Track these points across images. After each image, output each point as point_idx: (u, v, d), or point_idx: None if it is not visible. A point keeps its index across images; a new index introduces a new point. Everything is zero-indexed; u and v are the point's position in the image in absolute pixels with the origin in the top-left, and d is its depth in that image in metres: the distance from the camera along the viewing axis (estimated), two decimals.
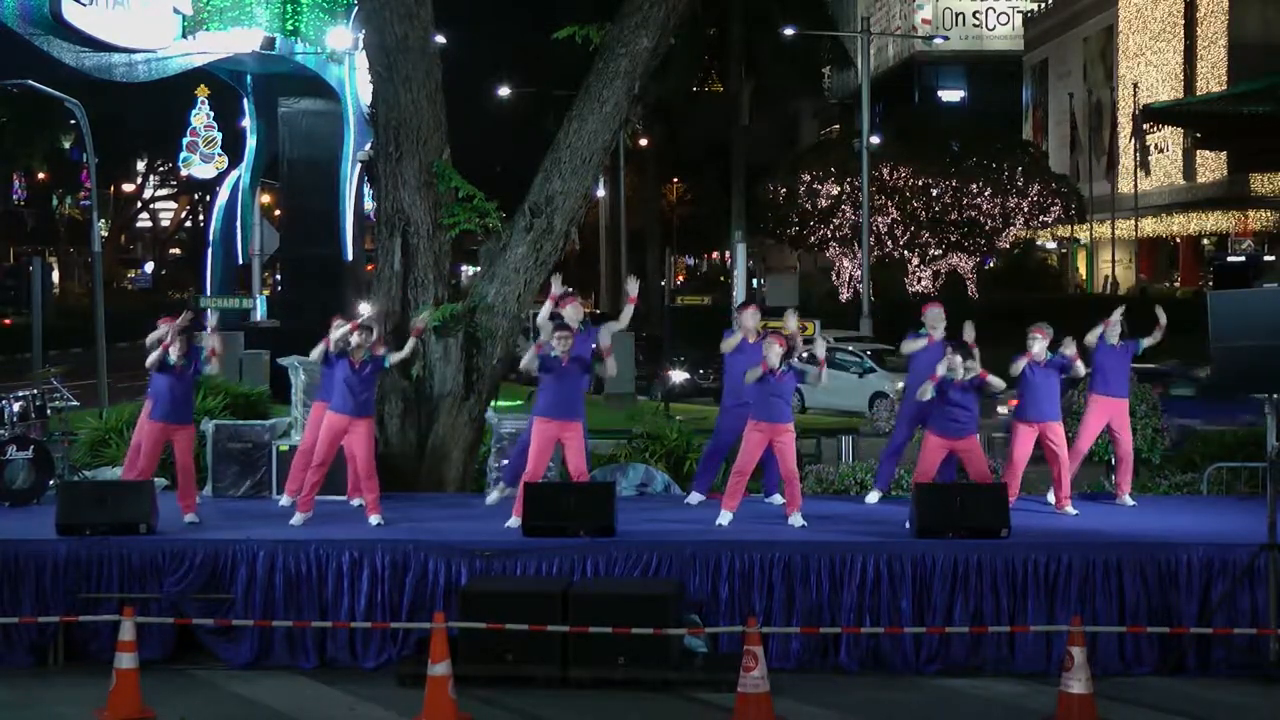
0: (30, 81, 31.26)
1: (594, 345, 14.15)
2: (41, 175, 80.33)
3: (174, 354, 13.56)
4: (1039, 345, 13.79)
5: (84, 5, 32.97)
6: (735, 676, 10.52)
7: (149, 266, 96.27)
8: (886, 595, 12.15)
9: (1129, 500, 14.44)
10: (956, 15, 78.22)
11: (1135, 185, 59.57)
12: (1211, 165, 56.40)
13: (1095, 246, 66.16)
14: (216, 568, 12.46)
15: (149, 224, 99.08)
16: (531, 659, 11.52)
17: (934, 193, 54.06)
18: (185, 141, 44.34)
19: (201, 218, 78.76)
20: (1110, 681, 11.49)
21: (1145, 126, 57.87)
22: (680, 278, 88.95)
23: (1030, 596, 12.07)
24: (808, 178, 54.79)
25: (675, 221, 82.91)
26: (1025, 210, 54.44)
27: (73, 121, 52.06)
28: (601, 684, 11.48)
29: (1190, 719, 11.07)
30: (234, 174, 43.85)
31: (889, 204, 53.74)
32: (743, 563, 12.23)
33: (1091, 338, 14.16)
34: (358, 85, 39.07)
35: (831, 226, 54.77)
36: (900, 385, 13.91)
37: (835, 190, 54.04)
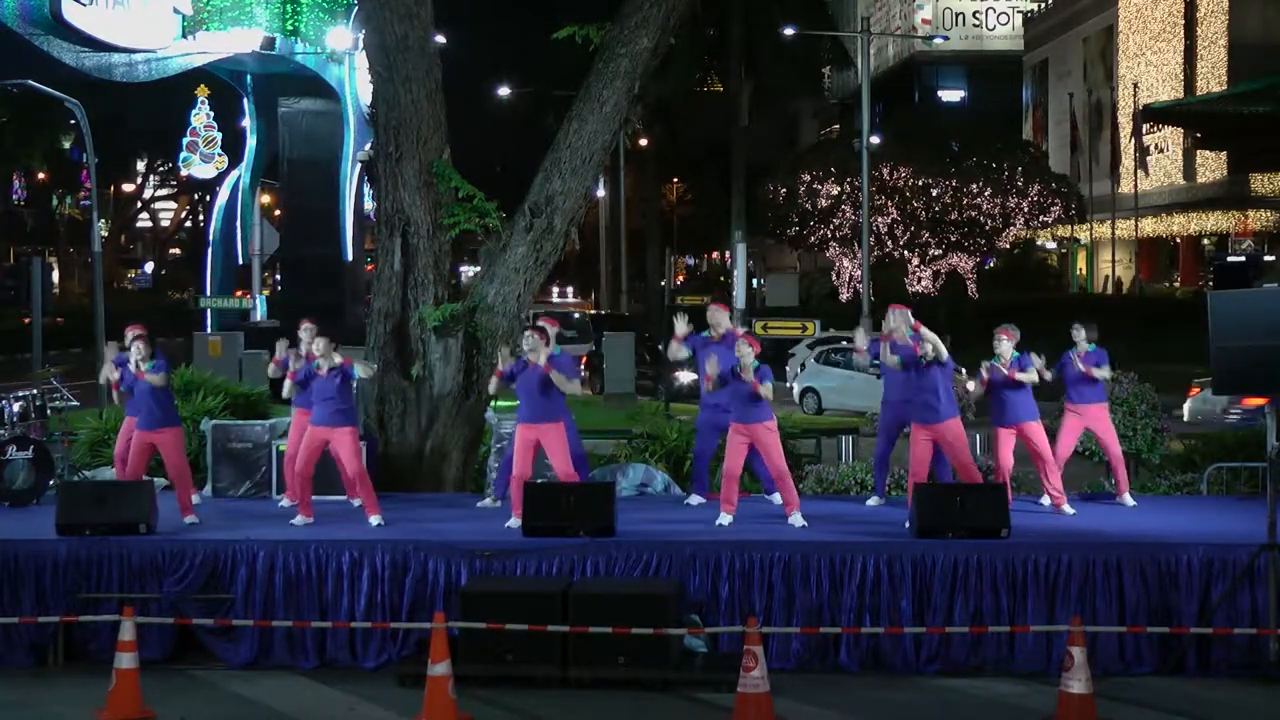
0: (30, 81, 31.25)
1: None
2: (41, 175, 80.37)
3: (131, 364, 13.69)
4: (1004, 346, 13.81)
5: (84, 5, 33.00)
6: (735, 676, 10.52)
7: (149, 266, 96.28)
8: (886, 595, 12.15)
9: (1129, 500, 14.44)
10: (956, 15, 78.24)
11: (1135, 185, 59.58)
12: (1211, 165, 56.42)
13: (1095, 246, 66.17)
14: (216, 568, 12.46)
15: (149, 224, 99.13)
16: (531, 659, 11.52)
17: (934, 193, 54.06)
18: (185, 141, 44.36)
19: (201, 218, 78.79)
20: (1110, 681, 11.49)
21: (1145, 126, 57.87)
22: (680, 278, 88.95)
23: (1030, 596, 12.07)
24: (808, 178, 54.80)
25: (675, 221, 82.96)
26: (1025, 210, 54.44)
27: (73, 121, 52.06)
28: (601, 684, 11.48)
29: (1190, 719, 11.07)
30: (234, 174, 43.87)
31: (889, 204, 53.74)
32: (743, 563, 12.23)
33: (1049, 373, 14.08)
34: (358, 85, 39.10)
35: (831, 226, 54.78)
36: None
37: (835, 190, 54.05)
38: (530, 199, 15.94)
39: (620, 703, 11.29)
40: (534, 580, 12.21)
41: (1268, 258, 49.37)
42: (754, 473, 14.60)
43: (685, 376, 31.50)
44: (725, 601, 12.18)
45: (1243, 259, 46.45)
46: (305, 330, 14.21)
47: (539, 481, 13.51)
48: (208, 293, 43.29)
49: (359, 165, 38.29)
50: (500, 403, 16.77)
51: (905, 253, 55.32)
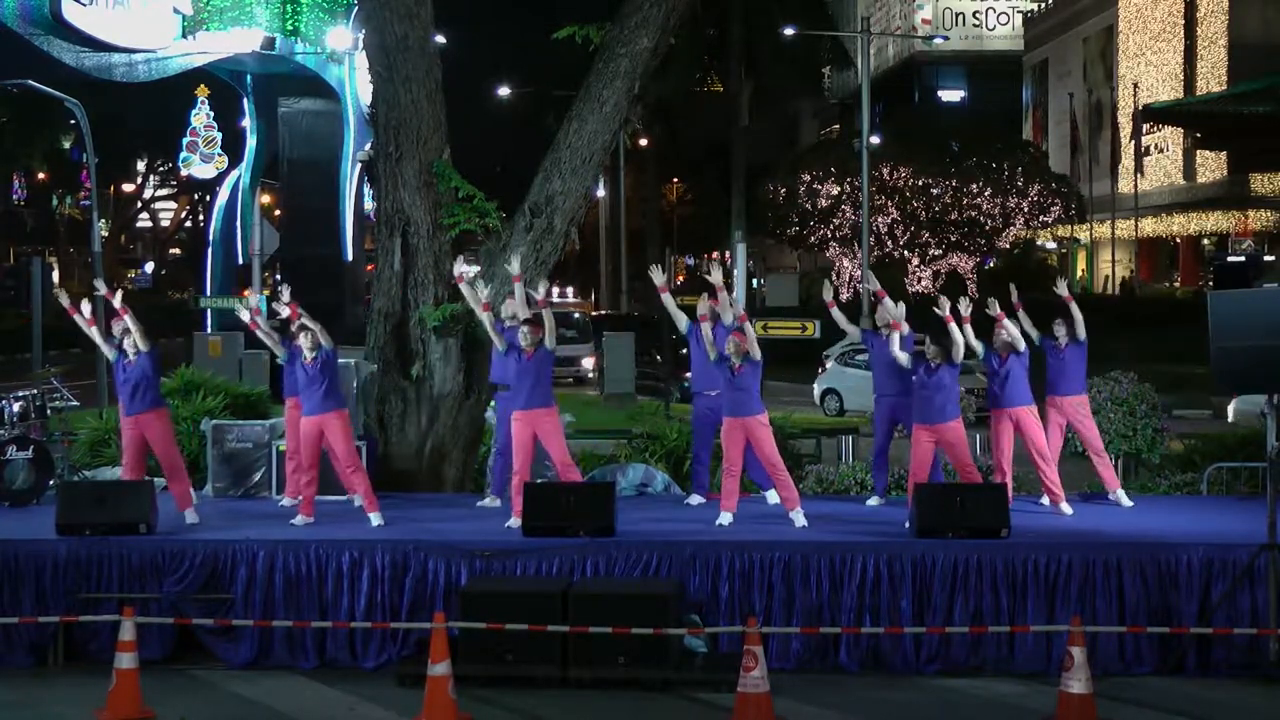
0: (30, 81, 31.29)
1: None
2: (41, 175, 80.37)
3: (112, 347, 13.66)
4: (1001, 334, 13.88)
5: (84, 5, 33.01)
6: (735, 676, 10.52)
7: (149, 266, 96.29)
8: (886, 595, 12.15)
9: (1124, 497, 14.39)
10: (956, 15, 78.25)
11: (1135, 185, 59.59)
12: (1211, 165, 56.43)
13: (1095, 246, 66.18)
14: (216, 568, 12.46)
15: (149, 224, 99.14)
16: (531, 659, 11.52)
17: (934, 193, 54.08)
18: (185, 141, 44.36)
19: (201, 218, 78.78)
20: (1110, 681, 11.49)
21: (1145, 126, 57.88)
22: (680, 278, 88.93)
23: (1030, 596, 12.07)
24: (808, 178, 54.82)
25: (675, 221, 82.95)
26: (1025, 210, 54.47)
27: (73, 121, 52.07)
28: (601, 684, 11.48)
29: (1190, 719, 11.07)
30: (234, 174, 43.87)
31: (889, 204, 53.76)
32: (743, 563, 12.23)
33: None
34: (358, 85, 39.11)
35: (831, 226, 54.80)
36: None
37: (835, 190, 54.07)
38: (530, 199, 15.94)
39: (620, 703, 11.29)
40: (534, 580, 12.21)
41: (1268, 258, 49.42)
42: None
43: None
44: (725, 601, 12.18)
45: (1243, 259, 46.53)
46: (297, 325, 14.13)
47: (539, 481, 13.52)
48: (208, 293, 43.27)
49: (359, 165, 38.30)
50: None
51: (905, 253, 55.34)
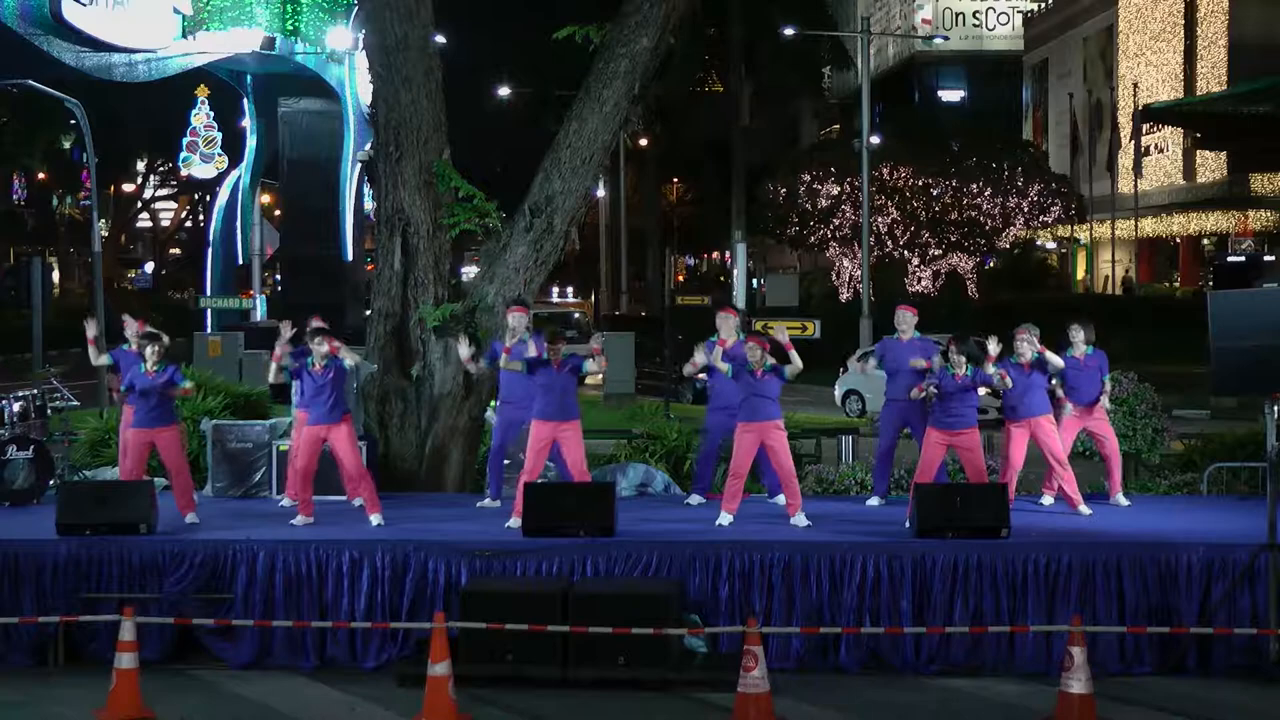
0: (30, 81, 31.28)
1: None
2: (41, 175, 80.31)
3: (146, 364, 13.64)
4: (1024, 347, 13.84)
5: (84, 5, 33.01)
6: (735, 676, 10.51)
7: (149, 266, 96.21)
8: (886, 595, 12.15)
9: (1123, 500, 14.44)
10: (956, 15, 78.21)
11: (1135, 185, 59.58)
12: (1211, 165, 56.39)
13: (1095, 246, 66.16)
14: (216, 568, 12.46)
15: (149, 224, 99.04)
16: (531, 659, 11.53)
17: (934, 193, 54.06)
18: (185, 141, 44.38)
19: (201, 218, 78.77)
20: (1110, 681, 11.49)
21: (1145, 126, 57.85)
22: (680, 278, 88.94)
23: (1030, 596, 12.07)
24: (808, 178, 54.78)
25: (675, 221, 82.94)
26: (1025, 210, 54.44)
27: (73, 121, 52.05)
28: (601, 684, 11.48)
29: (1190, 719, 11.07)
30: (234, 174, 43.89)
31: (889, 204, 53.73)
32: (743, 563, 12.23)
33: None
34: (358, 85, 39.11)
35: (831, 226, 54.76)
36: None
37: (835, 190, 54.03)
38: (530, 199, 15.93)
39: (620, 703, 11.29)
40: (534, 580, 12.21)
41: (1268, 258, 49.36)
42: (756, 474, 14.59)
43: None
44: (725, 601, 12.18)
45: (1243, 259, 46.48)
46: (311, 331, 14.18)
47: (540, 482, 13.53)
48: (208, 293, 43.29)
49: (359, 165, 38.31)
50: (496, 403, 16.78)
51: (905, 253, 55.31)
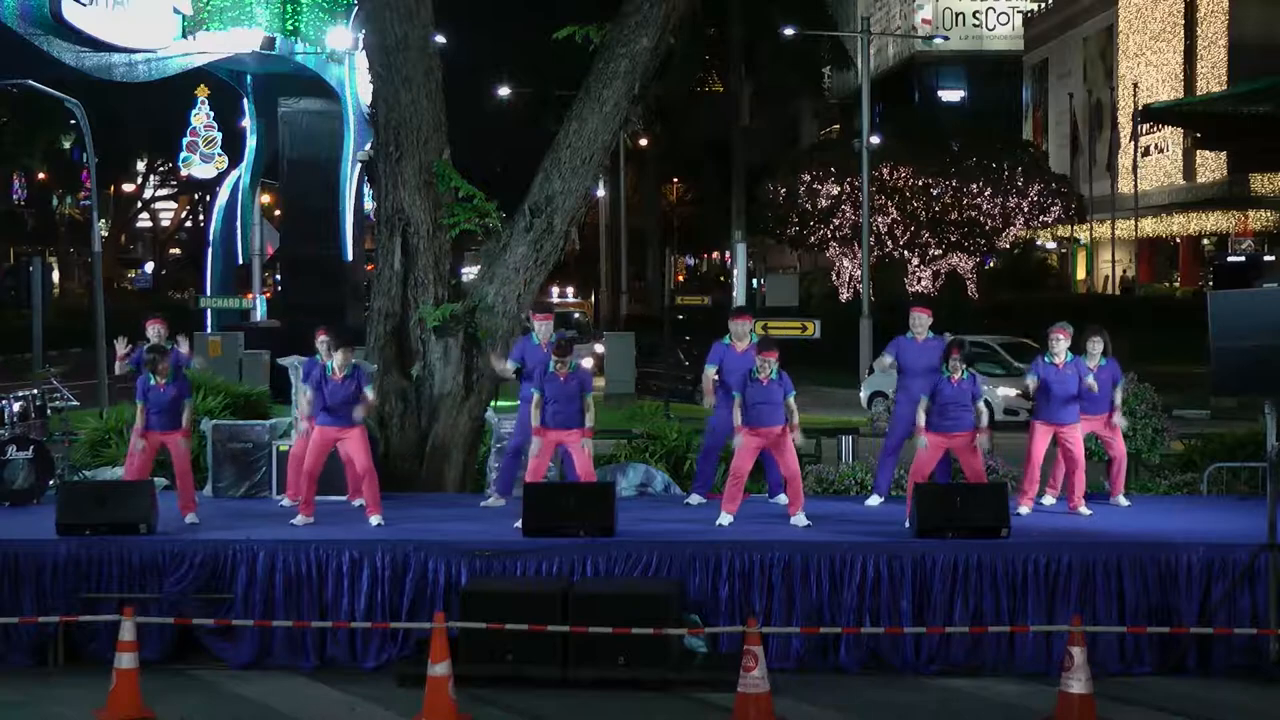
0: (30, 81, 31.27)
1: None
2: (41, 175, 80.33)
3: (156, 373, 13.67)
4: (1060, 346, 13.81)
5: (84, 5, 32.97)
6: (735, 676, 10.51)
7: (149, 266, 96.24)
8: (886, 595, 12.15)
9: (1123, 500, 14.44)
10: (956, 15, 78.22)
11: (1135, 185, 59.58)
12: (1211, 165, 56.40)
13: (1095, 246, 66.16)
14: (216, 568, 12.47)
15: (149, 224, 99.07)
16: (531, 659, 11.53)
17: (934, 193, 54.04)
18: (185, 141, 44.31)
19: (201, 218, 78.74)
20: (1110, 681, 11.49)
21: (1145, 126, 57.85)
22: (680, 278, 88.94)
23: (1030, 596, 12.08)
24: (808, 178, 54.77)
25: (675, 221, 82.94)
26: (1025, 210, 54.42)
27: (73, 121, 52.06)
28: (601, 684, 11.48)
29: (1190, 719, 11.07)
30: (234, 174, 43.83)
31: (889, 204, 53.72)
32: (743, 563, 12.23)
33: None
34: (358, 85, 39.06)
35: (831, 226, 54.75)
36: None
37: (835, 190, 54.02)
38: (530, 199, 15.93)
39: (620, 703, 11.29)
40: (534, 580, 12.21)
41: (1268, 258, 49.38)
42: (757, 473, 14.59)
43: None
44: (725, 601, 12.18)
45: (1243, 259, 46.49)
46: (322, 342, 14.12)
47: (540, 482, 13.53)
48: (208, 293, 43.25)
49: (359, 165, 38.25)
50: (500, 402, 16.79)
51: (905, 253, 55.30)
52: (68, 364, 22.51)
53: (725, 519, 13.29)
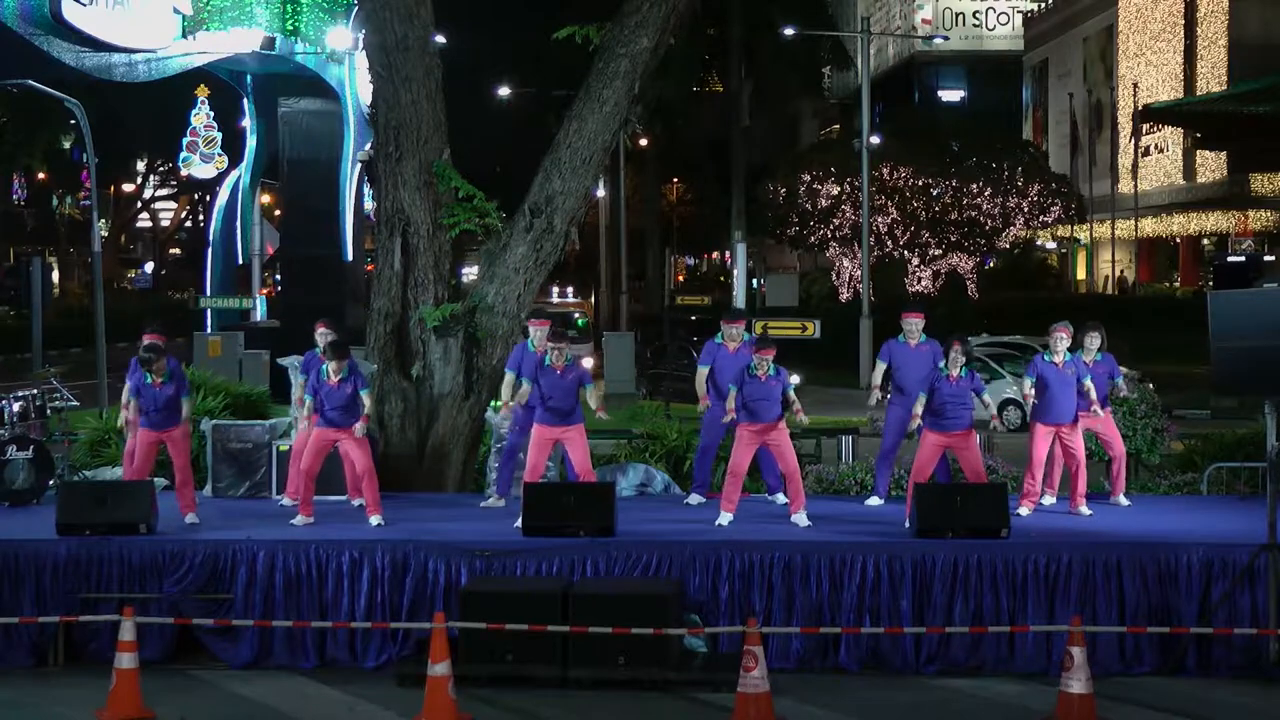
0: (30, 81, 31.26)
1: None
2: (41, 175, 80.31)
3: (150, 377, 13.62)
4: (1061, 344, 13.80)
5: (84, 5, 32.95)
6: (735, 676, 10.52)
7: (149, 266, 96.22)
8: (886, 595, 12.16)
9: (1123, 500, 14.44)
10: (956, 15, 78.23)
11: (1135, 185, 59.57)
12: (1211, 165, 56.40)
13: (1095, 246, 66.16)
14: (216, 568, 12.47)
15: (149, 224, 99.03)
16: (531, 659, 11.53)
17: (934, 193, 54.02)
18: (185, 141, 44.27)
19: (201, 218, 78.73)
20: (1110, 681, 11.50)
21: (1145, 126, 57.85)
22: (680, 277, 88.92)
23: (1030, 596, 12.08)
24: (808, 178, 54.74)
25: (675, 221, 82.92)
26: (1025, 210, 54.41)
27: (73, 121, 52.04)
28: (601, 684, 11.48)
29: (1190, 719, 11.07)
30: (234, 174, 43.82)
31: (889, 204, 53.70)
32: (743, 563, 12.23)
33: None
34: (358, 85, 39.05)
35: (831, 226, 54.73)
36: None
37: (835, 190, 54.00)
38: (530, 199, 15.94)
39: (620, 703, 11.29)
40: (534, 580, 12.21)
41: (1268, 258, 49.39)
42: (756, 472, 14.59)
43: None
44: (725, 601, 12.18)
45: (1243, 259, 46.48)
46: (321, 334, 14.17)
47: (540, 482, 13.53)
48: (208, 293, 43.25)
49: (359, 165, 38.27)
50: (501, 402, 16.77)
51: (905, 253, 55.28)
52: (68, 364, 22.52)
53: (725, 518, 13.29)
